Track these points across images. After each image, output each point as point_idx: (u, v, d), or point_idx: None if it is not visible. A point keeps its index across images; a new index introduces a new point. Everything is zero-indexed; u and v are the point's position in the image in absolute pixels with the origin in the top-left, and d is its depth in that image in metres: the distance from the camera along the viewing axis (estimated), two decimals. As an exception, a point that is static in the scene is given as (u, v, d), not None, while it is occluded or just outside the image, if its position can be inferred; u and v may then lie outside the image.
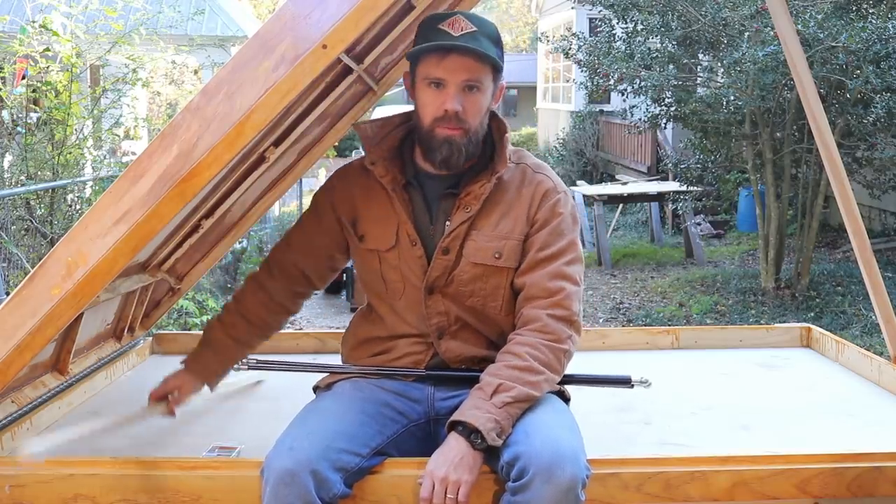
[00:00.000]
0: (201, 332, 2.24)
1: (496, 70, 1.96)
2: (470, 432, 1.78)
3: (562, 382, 2.03)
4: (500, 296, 2.01)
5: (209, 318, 6.53)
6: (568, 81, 15.95)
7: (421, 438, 1.99)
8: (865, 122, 6.84)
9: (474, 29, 1.91)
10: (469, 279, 2.00)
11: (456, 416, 1.82)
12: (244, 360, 2.21)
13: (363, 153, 2.07)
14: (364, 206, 2.07)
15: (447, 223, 1.99)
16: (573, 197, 2.10)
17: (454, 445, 1.78)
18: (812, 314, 6.96)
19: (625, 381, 2.19)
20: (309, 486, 1.70)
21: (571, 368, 2.01)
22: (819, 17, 6.64)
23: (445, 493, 1.73)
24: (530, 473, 1.69)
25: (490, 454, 1.81)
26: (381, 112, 16.55)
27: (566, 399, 2.06)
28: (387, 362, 2.06)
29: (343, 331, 2.30)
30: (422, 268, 2.01)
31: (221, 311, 2.22)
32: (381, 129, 2.06)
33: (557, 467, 1.69)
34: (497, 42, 1.96)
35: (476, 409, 1.81)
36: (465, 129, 1.94)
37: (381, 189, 2.03)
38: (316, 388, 2.13)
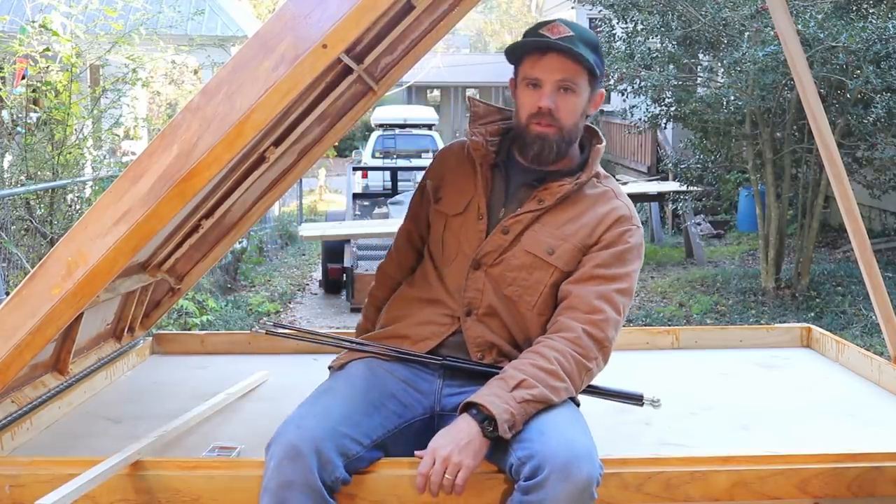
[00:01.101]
0: (201, 332, 2.24)
1: (593, 75, 2.01)
2: (484, 418, 1.77)
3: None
4: (539, 292, 2.03)
5: (206, 318, 6.58)
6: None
7: (421, 434, 1.98)
8: (865, 122, 6.84)
9: (572, 34, 1.98)
10: (517, 266, 2.03)
11: (473, 398, 1.81)
12: (262, 324, 2.23)
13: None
14: (451, 175, 2.16)
15: (518, 210, 2.05)
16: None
17: (464, 427, 1.78)
18: (812, 314, 6.97)
19: (636, 398, 2.17)
20: (312, 465, 1.71)
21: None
22: (819, 17, 6.64)
23: (444, 473, 1.72)
24: (546, 472, 1.69)
25: (496, 451, 1.81)
26: (380, 112, 16.50)
27: (576, 404, 2.05)
28: (409, 326, 2.08)
29: (343, 331, 2.31)
30: (479, 241, 2.05)
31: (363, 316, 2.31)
32: (490, 113, 2.16)
33: (574, 466, 1.69)
34: (595, 49, 2.01)
35: (496, 396, 1.80)
36: (558, 128, 2.00)
37: (471, 163, 2.11)
38: (330, 368, 2.14)
